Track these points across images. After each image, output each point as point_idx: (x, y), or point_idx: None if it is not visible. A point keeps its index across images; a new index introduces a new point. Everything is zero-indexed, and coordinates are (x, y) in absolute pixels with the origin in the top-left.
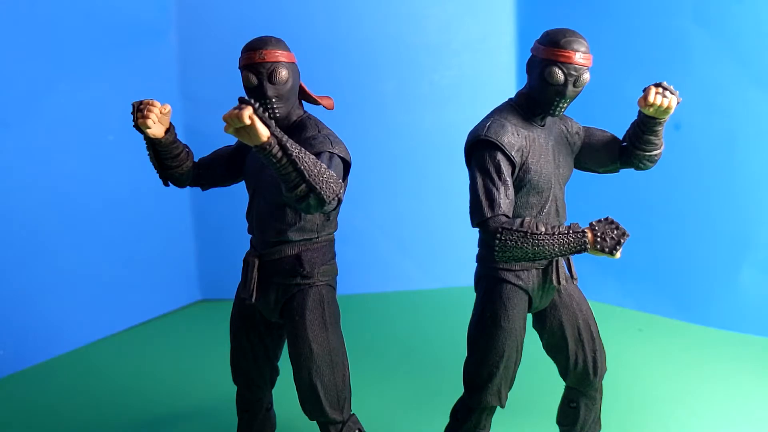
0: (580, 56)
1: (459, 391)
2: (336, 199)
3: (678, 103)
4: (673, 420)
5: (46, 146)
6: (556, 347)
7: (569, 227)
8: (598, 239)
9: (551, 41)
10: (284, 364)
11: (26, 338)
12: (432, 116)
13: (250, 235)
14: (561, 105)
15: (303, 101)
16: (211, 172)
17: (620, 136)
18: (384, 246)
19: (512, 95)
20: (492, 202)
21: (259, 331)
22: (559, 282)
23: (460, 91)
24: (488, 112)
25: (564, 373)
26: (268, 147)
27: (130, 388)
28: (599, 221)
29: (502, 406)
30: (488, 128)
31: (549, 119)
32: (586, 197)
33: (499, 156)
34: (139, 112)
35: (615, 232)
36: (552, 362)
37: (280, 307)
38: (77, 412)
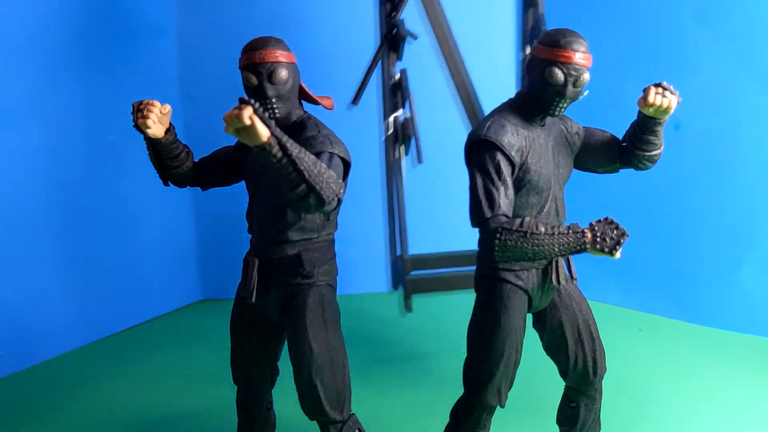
0: (579, 56)
1: (459, 391)
2: (336, 199)
3: (678, 103)
4: (673, 420)
5: (46, 146)
6: (555, 347)
7: (569, 227)
8: (598, 239)
9: (551, 41)
10: (284, 364)
11: (26, 338)
12: (432, 116)
13: (250, 235)
14: (561, 105)
15: (303, 101)
16: (211, 172)
17: (620, 136)
18: (384, 246)
19: (512, 95)
20: (492, 202)
21: (259, 331)
22: (558, 282)
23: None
24: (488, 112)
25: (564, 373)
26: (268, 147)
27: (130, 388)
28: (599, 221)
29: (502, 406)
30: (488, 128)
31: (549, 119)
32: (586, 197)
33: (499, 156)
34: (139, 112)
35: (614, 232)
36: (552, 362)
37: (280, 306)
38: (77, 412)
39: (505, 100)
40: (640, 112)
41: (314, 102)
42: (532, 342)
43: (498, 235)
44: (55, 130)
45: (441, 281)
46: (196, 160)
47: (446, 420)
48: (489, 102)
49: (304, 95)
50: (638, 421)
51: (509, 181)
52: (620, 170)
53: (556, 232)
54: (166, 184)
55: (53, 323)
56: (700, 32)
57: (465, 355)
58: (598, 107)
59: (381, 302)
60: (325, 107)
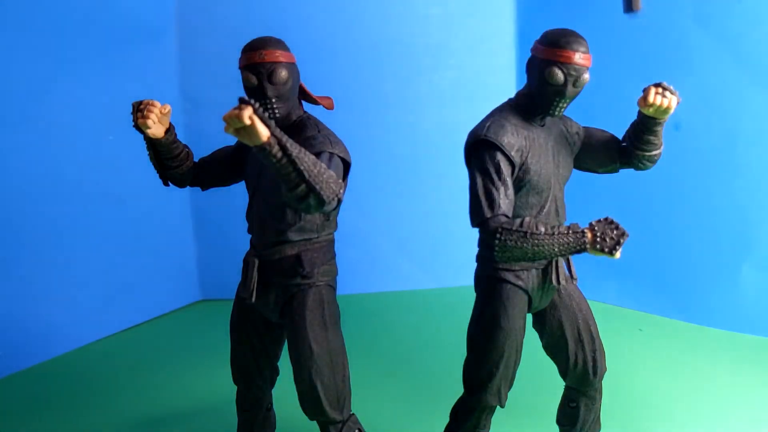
0: (579, 56)
1: (459, 391)
2: (336, 199)
3: (678, 103)
4: (673, 420)
5: (46, 146)
6: (555, 347)
7: (569, 227)
8: (598, 239)
9: (551, 41)
10: (284, 364)
11: (26, 338)
12: (432, 116)
13: (250, 235)
14: (561, 105)
15: (303, 101)
16: (211, 172)
17: (620, 136)
18: (384, 246)
19: (512, 95)
20: (492, 202)
21: (259, 331)
22: (558, 282)
23: (460, 91)
24: (488, 112)
25: (564, 373)
26: (268, 147)
27: (130, 388)
28: (599, 221)
29: (502, 406)
30: (488, 128)
31: (549, 119)
32: (586, 197)
33: (499, 156)
34: (139, 112)
35: (614, 232)
36: (552, 362)
37: (279, 307)
38: (77, 412)
39: (505, 100)
40: (640, 112)
41: (314, 102)
42: (532, 342)
43: (498, 235)
44: (55, 130)
45: None
46: (196, 160)
47: (446, 420)
48: (489, 102)
49: (304, 95)
50: (638, 421)
51: (509, 181)
52: (620, 170)
53: (556, 232)
54: (166, 184)
55: (53, 323)
56: (700, 32)
57: (465, 355)
58: (598, 107)
59: (381, 302)
60: (325, 107)
